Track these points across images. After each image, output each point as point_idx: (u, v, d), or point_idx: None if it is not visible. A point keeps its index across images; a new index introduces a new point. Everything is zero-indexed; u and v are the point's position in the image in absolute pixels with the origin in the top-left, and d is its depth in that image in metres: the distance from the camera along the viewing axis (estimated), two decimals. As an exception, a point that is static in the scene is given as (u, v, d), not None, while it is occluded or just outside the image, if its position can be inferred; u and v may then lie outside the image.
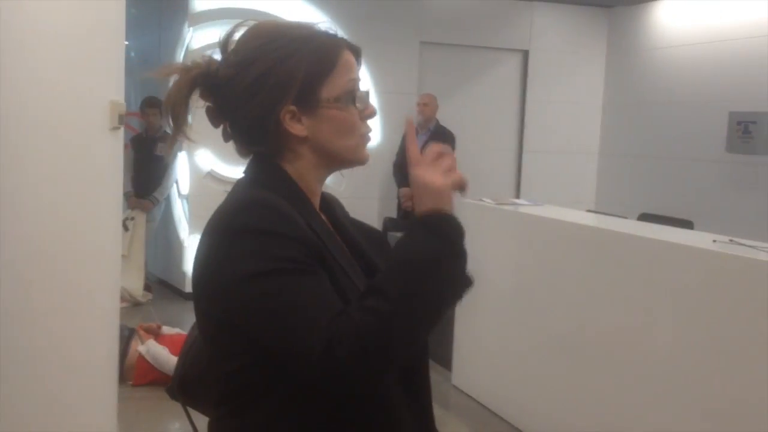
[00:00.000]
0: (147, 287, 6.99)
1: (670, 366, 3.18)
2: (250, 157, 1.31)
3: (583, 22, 8.16)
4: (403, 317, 1.10)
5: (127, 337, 4.69)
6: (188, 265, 7.05)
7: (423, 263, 1.12)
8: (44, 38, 2.65)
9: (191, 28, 6.91)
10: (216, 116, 1.30)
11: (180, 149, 7.00)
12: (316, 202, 1.32)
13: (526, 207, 4.57)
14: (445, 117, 7.14)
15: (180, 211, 7.34)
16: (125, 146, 3.60)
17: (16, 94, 2.61)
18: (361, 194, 7.08)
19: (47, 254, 2.70)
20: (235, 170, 7.23)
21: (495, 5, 7.84)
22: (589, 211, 6.43)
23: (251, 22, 1.31)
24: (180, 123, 1.27)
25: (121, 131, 2.98)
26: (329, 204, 1.39)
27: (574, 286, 3.79)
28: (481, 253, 4.49)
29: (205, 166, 6.92)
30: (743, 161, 6.57)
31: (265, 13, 6.77)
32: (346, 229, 1.38)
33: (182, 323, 5.90)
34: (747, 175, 6.59)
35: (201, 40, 6.90)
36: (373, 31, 7.16)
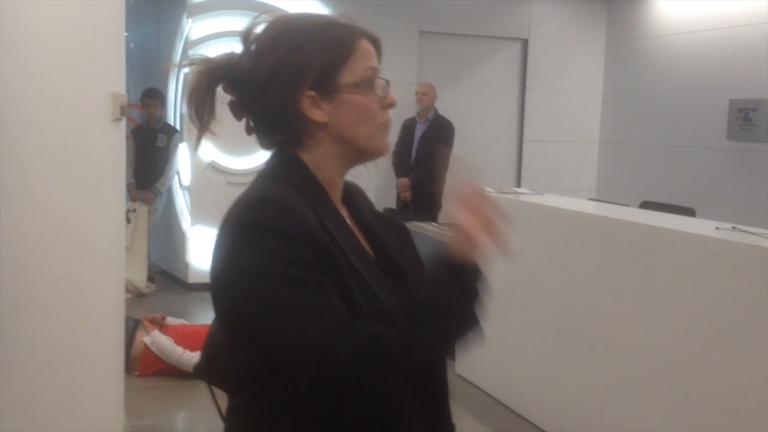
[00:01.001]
0: (150, 278, 7.00)
1: (672, 353, 3.20)
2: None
3: (583, 10, 8.14)
4: (404, 351, 1.12)
5: (132, 328, 4.71)
6: (191, 256, 7.07)
7: (438, 309, 1.13)
8: (45, 30, 2.65)
9: (190, 19, 6.90)
10: (238, 109, 1.30)
11: (181, 140, 7.01)
12: (336, 195, 1.31)
13: (527, 196, 4.58)
14: (445, 107, 7.13)
15: (182, 202, 7.35)
16: (126, 137, 3.61)
17: (17, 86, 2.62)
18: (359, 184, 7.07)
19: (52, 246, 2.71)
20: (237, 161, 7.25)
21: (495, -6, 7.83)
22: (590, 199, 6.44)
23: (269, 15, 1.32)
24: (203, 118, 1.27)
25: (123, 123, 2.99)
26: (352, 195, 1.38)
27: (576, 275, 3.79)
28: (483, 242, 4.50)
29: (207, 157, 6.92)
30: (744, 148, 6.56)
31: (264, 4, 6.76)
32: (367, 222, 1.36)
33: (186, 314, 5.92)
34: (748, 162, 6.59)
35: (200, 31, 6.90)
36: (372, 21, 7.00)
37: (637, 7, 7.82)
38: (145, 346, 4.73)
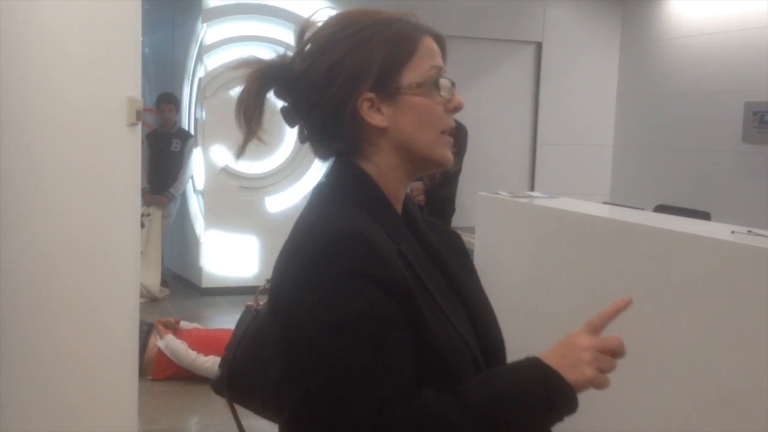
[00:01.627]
0: (164, 283, 7.04)
1: (688, 357, 3.18)
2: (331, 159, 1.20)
3: (597, 12, 8.12)
4: None
5: (145, 332, 4.73)
6: (204, 260, 7.10)
7: (519, 409, 1.04)
8: (61, 35, 2.67)
9: (205, 24, 6.93)
10: (291, 115, 1.19)
11: (195, 145, 7.04)
12: (400, 208, 1.21)
13: (541, 199, 4.57)
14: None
15: (196, 206, 7.38)
16: (141, 142, 3.63)
17: (32, 91, 2.64)
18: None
19: (66, 251, 2.73)
20: (250, 165, 7.27)
21: (508, -3, 7.82)
22: (604, 203, 6.41)
23: (326, 12, 1.22)
24: (252, 125, 1.16)
25: (139, 127, 3.00)
26: (407, 207, 1.26)
27: (590, 278, 3.78)
28: (497, 246, 4.49)
29: (220, 162, 6.95)
30: (760, 151, 6.52)
31: (278, 8, 6.78)
32: (425, 235, 1.24)
33: (199, 318, 5.94)
34: (764, 165, 6.54)
35: (215, 35, 6.93)
36: (386, 24, 7.15)
37: (651, 10, 7.79)
38: (159, 350, 4.74)
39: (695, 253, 3.19)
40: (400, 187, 1.20)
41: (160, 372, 4.74)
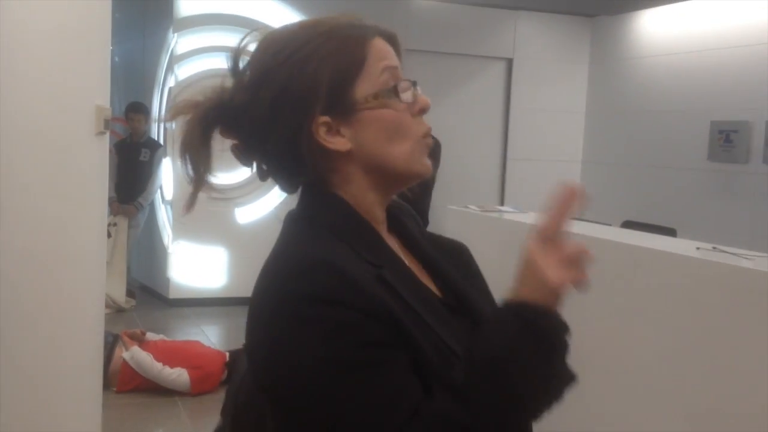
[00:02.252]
0: (130, 293, 6.96)
1: (653, 372, 3.20)
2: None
3: (567, 30, 8.21)
4: (485, 429, 0.92)
5: (111, 343, 4.67)
6: (172, 271, 7.03)
7: (512, 365, 0.92)
8: (29, 41, 2.64)
9: (176, 34, 6.90)
10: (244, 153, 1.08)
11: (165, 155, 6.98)
12: (383, 229, 1.10)
13: (510, 214, 4.59)
14: (430, 124, 7.12)
15: (164, 216, 7.32)
16: (109, 151, 3.58)
17: (0, 97, 2.60)
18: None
19: (32, 260, 2.69)
20: (220, 177, 7.21)
21: (479, 13, 7.88)
22: (572, 218, 6.45)
23: (259, 33, 1.07)
24: (201, 171, 1.06)
25: (107, 136, 2.97)
26: (400, 219, 1.16)
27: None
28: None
29: (190, 172, 6.89)
30: (725, 169, 6.63)
31: (251, 20, 6.77)
32: (422, 250, 1.15)
33: (166, 329, 5.88)
34: (729, 183, 6.65)
35: (186, 45, 6.90)
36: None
37: (620, 29, 7.90)
38: (124, 362, 4.69)
39: (661, 269, 3.23)
40: (378, 209, 1.08)
41: (124, 384, 4.68)
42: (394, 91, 1.03)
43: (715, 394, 2.94)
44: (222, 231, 6.97)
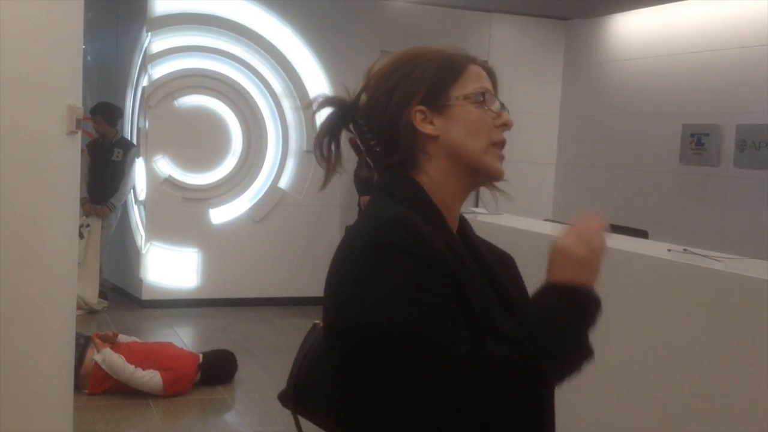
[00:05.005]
0: (102, 295, 6.89)
1: (624, 374, 3.23)
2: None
3: (541, 33, 8.26)
4: (531, 374, 1.12)
5: (82, 345, 4.62)
6: (145, 272, 6.98)
7: (559, 325, 1.15)
8: (0, 40, 2.60)
9: (149, 33, 6.85)
10: (360, 138, 1.32)
11: (138, 155, 6.93)
12: (453, 220, 1.31)
13: (484, 216, 4.61)
14: (405, 126, 7.15)
15: (137, 217, 7.25)
16: (81, 151, 3.53)
17: (-30, 96, 2.56)
18: (322, 202, 7.05)
19: (1, 260, 2.65)
20: (194, 177, 7.20)
21: (454, 15, 7.91)
22: (546, 220, 6.50)
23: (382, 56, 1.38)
24: (331, 160, 1.30)
25: (79, 136, 2.94)
26: (465, 227, 1.37)
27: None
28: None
29: (163, 172, 6.85)
30: (696, 172, 6.70)
31: (224, 19, 6.74)
32: (480, 252, 1.35)
33: (139, 331, 5.83)
34: (700, 186, 6.73)
35: (159, 45, 6.85)
36: (333, 38, 7.17)
37: (594, 32, 7.96)
38: (96, 364, 4.64)
39: (633, 271, 3.26)
40: (454, 197, 1.30)
41: (96, 386, 4.63)
42: (483, 100, 1.28)
43: (686, 394, 2.97)
44: (196, 232, 6.92)
